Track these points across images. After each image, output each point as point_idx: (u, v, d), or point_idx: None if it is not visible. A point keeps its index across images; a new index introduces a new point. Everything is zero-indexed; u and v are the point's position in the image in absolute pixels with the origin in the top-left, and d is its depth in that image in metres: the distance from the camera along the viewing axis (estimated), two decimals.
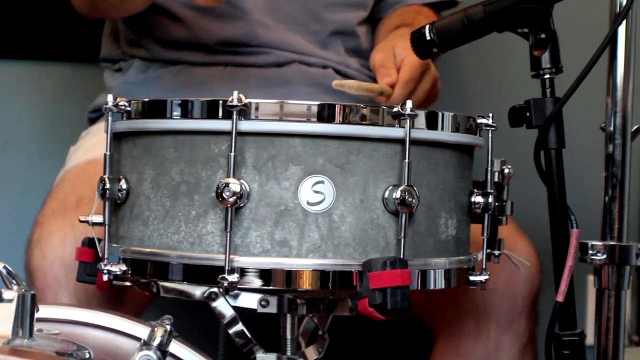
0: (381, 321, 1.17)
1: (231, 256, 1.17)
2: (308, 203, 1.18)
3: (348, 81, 1.59)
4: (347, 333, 1.82)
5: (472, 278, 1.29)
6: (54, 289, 1.51)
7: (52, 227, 1.54)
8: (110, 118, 1.24)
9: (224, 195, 1.16)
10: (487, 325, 1.65)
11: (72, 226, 1.52)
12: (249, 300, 1.31)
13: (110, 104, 1.24)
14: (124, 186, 1.24)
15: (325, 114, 1.18)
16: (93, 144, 1.71)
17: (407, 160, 1.18)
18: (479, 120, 1.29)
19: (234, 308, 1.30)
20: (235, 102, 1.16)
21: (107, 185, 1.23)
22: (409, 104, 1.19)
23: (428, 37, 1.37)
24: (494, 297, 1.63)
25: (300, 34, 1.80)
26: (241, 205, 1.17)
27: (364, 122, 1.19)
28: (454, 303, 1.66)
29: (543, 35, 1.32)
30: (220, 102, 1.18)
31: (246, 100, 1.17)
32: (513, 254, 1.41)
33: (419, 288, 1.22)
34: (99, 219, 1.26)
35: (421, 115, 1.21)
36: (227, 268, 1.17)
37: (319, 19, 1.81)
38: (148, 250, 1.22)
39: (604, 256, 1.30)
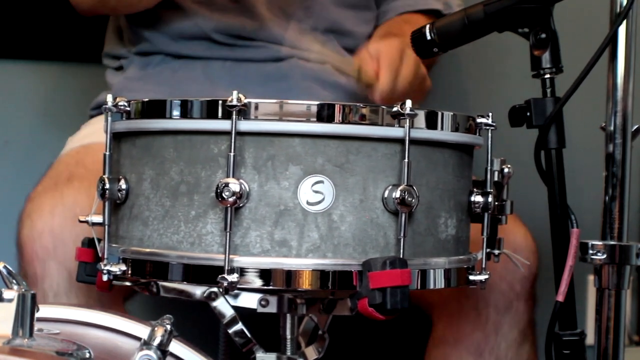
0: (379, 324, 1.17)
1: (231, 256, 1.17)
2: (308, 203, 1.18)
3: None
4: (347, 333, 1.82)
5: (471, 277, 1.29)
6: (42, 260, 1.51)
7: (42, 201, 1.55)
8: (109, 118, 1.24)
9: (223, 195, 1.16)
10: (486, 309, 1.65)
11: (62, 198, 1.52)
12: (248, 300, 1.31)
13: (109, 103, 1.24)
14: (124, 186, 1.24)
15: (324, 114, 1.18)
16: (87, 131, 1.73)
17: (406, 160, 1.18)
18: (479, 120, 1.29)
19: (234, 308, 1.30)
20: (234, 102, 1.16)
21: (107, 185, 1.23)
22: (409, 103, 1.19)
23: (428, 37, 1.37)
24: (492, 282, 1.63)
25: (297, 30, 1.80)
26: (241, 205, 1.17)
27: (363, 122, 1.19)
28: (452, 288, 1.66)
29: (543, 35, 1.32)
30: (220, 102, 1.18)
31: (245, 100, 1.17)
32: (512, 252, 1.41)
33: (419, 288, 1.22)
34: (98, 219, 1.26)
35: (421, 115, 1.21)
36: (226, 268, 1.17)
37: (313, 17, 1.82)
38: (148, 250, 1.22)
39: (604, 256, 1.30)
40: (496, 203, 1.30)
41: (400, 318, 1.25)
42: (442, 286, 1.25)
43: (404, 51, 1.65)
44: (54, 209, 1.52)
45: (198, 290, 1.31)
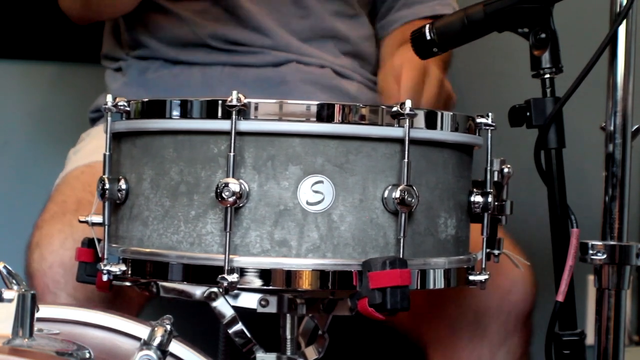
0: (379, 325, 1.17)
1: (231, 256, 1.17)
2: (307, 203, 1.18)
3: None
4: (347, 333, 1.82)
5: (471, 277, 1.29)
6: (52, 292, 1.51)
7: (51, 230, 1.55)
8: (109, 118, 1.24)
9: (223, 195, 1.16)
10: (481, 343, 1.65)
11: (71, 228, 1.52)
12: (248, 300, 1.30)
13: (109, 104, 1.24)
14: (124, 186, 1.24)
15: (324, 114, 1.18)
16: (92, 147, 1.71)
17: (406, 160, 1.18)
18: (478, 120, 1.29)
19: (234, 308, 1.30)
20: (234, 102, 1.16)
21: (107, 186, 1.23)
22: (409, 103, 1.19)
23: (428, 37, 1.37)
24: (487, 316, 1.64)
25: (296, 38, 1.80)
26: (240, 205, 1.17)
27: (363, 122, 1.19)
28: (446, 322, 1.67)
29: (543, 35, 1.32)
30: (220, 102, 1.18)
31: (245, 100, 1.17)
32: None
33: (419, 288, 1.22)
34: (98, 219, 1.26)
35: (420, 115, 1.21)
36: (226, 268, 1.17)
37: (310, 25, 1.82)
38: (147, 250, 1.22)
39: (604, 256, 1.30)
40: (496, 203, 1.30)
41: (396, 336, 1.25)
42: (442, 286, 1.25)
43: (426, 71, 1.64)
44: (64, 240, 1.52)
45: (198, 291, 1.31)
